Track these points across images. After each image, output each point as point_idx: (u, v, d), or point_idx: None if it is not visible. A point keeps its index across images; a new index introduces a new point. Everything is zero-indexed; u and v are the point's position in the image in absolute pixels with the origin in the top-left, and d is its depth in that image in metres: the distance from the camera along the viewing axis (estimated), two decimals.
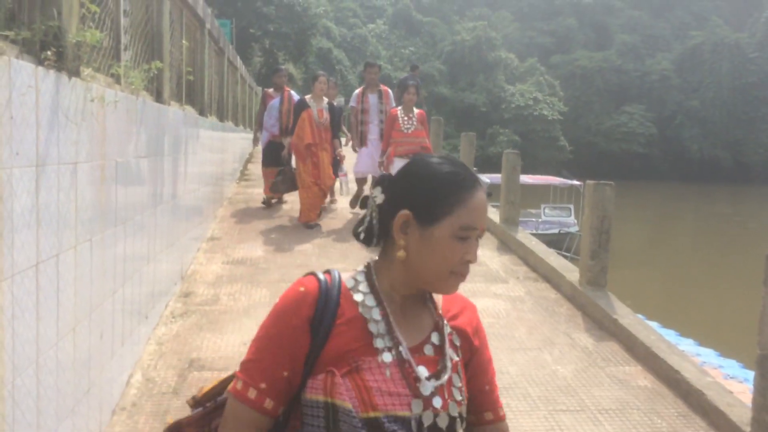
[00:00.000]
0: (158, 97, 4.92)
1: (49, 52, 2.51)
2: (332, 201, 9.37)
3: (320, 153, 7.61)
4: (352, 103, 8.78)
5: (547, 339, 4.88)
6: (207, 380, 3.98)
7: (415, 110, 7.85)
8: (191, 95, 7.01)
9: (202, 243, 7.18)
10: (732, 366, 8.30)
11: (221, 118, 9.91)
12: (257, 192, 10.15)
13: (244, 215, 8.80)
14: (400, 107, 7.84)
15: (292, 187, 7.97)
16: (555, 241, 16.06)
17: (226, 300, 5.50)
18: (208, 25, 7.62)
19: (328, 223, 8.39)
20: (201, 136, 7.09)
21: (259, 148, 9.98)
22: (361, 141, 8.65)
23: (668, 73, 49.83)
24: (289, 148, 8.00)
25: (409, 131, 7.73)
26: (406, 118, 7.78)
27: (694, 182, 47.56)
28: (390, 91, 8.84)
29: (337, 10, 48.59)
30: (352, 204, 8.76)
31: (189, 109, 6.61)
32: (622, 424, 3.69)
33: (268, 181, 8.76)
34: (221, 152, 9.23)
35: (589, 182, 5.80)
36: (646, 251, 23.18)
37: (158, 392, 3.82)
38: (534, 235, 9.32)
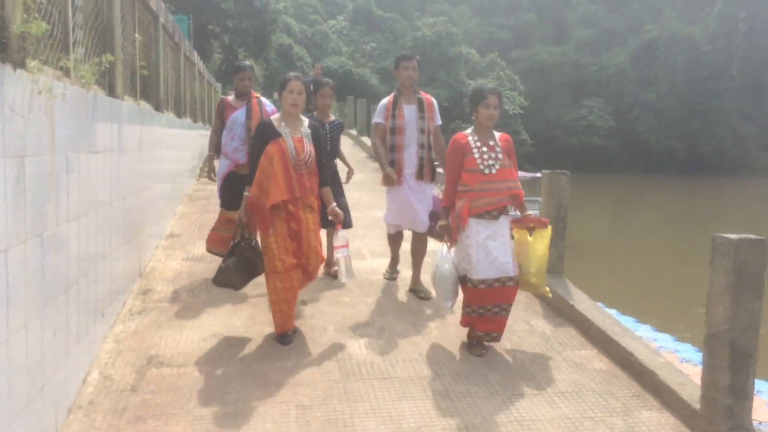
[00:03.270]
0: (111, 92, 4.84)
1: None
2: (331, 275, 5.94)
3: (302, 214, 4.40)
4: (377, 119, 5.59)
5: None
6: (166, 377, 3.95)
7: (496, 133, 4.58)
8: (146, 90, 6.90)
9: (161, 240, 7.09)
10: (687, 350, 8.54)
11: (179, 114, 9.78)
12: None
13: (204, 212, 8.71)
14: (470, 129, 4.59)
15: (251, 275, 4.61)
16: None
17: (185, 296, 5.44)
18: (162, 20, 7.51)
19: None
20: (157, 132, 6.99)
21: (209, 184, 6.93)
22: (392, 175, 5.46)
23: (625, 66, 50.79)
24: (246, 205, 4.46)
25: (493, 170, 4.38)
26: (485, 149, 4.42)
27: (652, 173, 48.59)
28: (434, 100, 5.75)
29: (297, 6, 48.29)
30: (387, 274, 6.04)
31: (144, 104, 6.51)
32: (578, 406, 3.78)
33: (219, 231, 5.87)
34: (179, 148, 9.11)
35: (545, 171, 5.90)
36: (605, 241, 23.65)
37: (116, 390, 3.78)
38: None
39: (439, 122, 5.70)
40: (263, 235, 4.37)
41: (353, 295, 5.58)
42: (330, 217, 4.62)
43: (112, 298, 4.63)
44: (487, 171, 4.36)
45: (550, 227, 4.61)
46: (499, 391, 3.93)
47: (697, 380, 3.74)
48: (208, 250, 6.03)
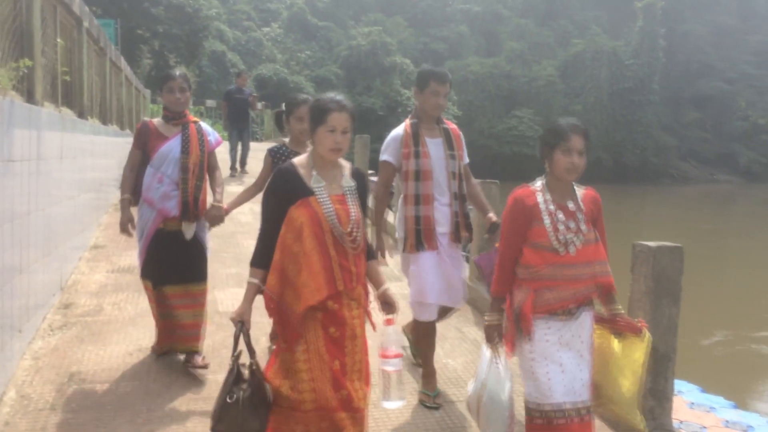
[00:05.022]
0: (29, 98, 4.65)
1: None
2: None
3: (346, 312, 2.78)
4: (388, 157, 4.03)
5: (438, 334, 4.99)
6: (88, 394, 3.80)
7: (579, 189, 3.09)
8: (69, 97, 6.66)
9: (84, 252, 6.83)
10: None
11: (104, 121, 9.47)
12: None
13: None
14: (540, 181, 3.06)
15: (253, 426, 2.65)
16: None
17: (110, 310, 5.26)
18: (86, 24, 7.26)
19: None
20: (81, 140, 6.75)
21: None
22: (418, 238, 3.92)
23: (553, 78, 52.35)
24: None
25: (573, 249, 2.92)
26: (561, 215, 2.95)
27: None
28: (459, 131, 4.21)
29: (230, 13, 47.60)
30: (428, 399, 3.98)
31: (66, 111, 6.27)
32: None
33: (166, 317, 4.20)
34: (104, 157, 8.81)
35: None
36: None
37: (34, 409, 3.61)
38: None
39: (468, 160, 4.17)
40: (285, 348, 2.74)
41: None
42: (378, 307, 2.89)
43: (30, 313, 4.42)
44: (563, 250, 2.85)
45: (648, 335, 2.96)
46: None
47: None
48: (159, 354, 4.29)
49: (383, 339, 2.85)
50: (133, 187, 4.18)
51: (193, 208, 4.06)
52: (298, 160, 2.85)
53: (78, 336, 4.68)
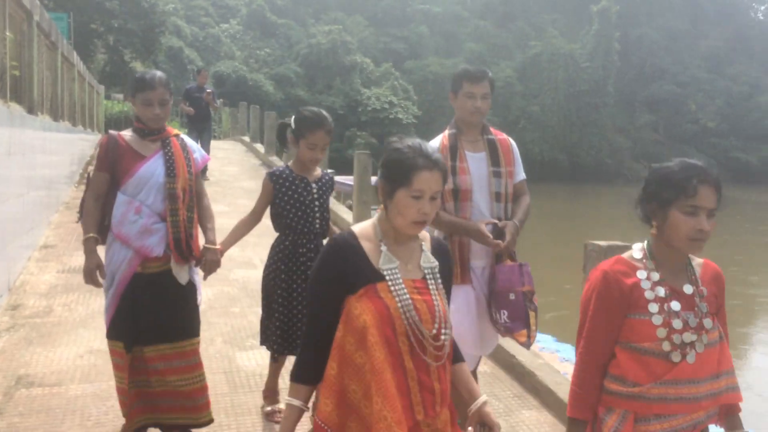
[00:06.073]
0: None
1: None
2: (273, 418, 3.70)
3: None
4: None
5: None
6: (36, 398, 3.70)
7: (696, 263, 2.06)
8: (18, 92, 6.47)
9: (33, 251, 6.65)
10: (567, 350, 9.01)
11: (55, 117, 9.22)
12: None
13: None
14: (639, 247, 2.04)
15: None
16: None
17: (60, 311, 5.13)
18: (36, 17, 7.06)
19: None
20: (30, 136, 6.56)
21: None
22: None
23: (511, 80, 53.03)
24: None
25: (693, 355, 1.91)
26: (675, 304, 1.93)
27: (537, 183, 50.90)
28: (512, 142, 3.59)
29: (187, 8, 46.84)
30: None
31: (15, 106, 6.09)
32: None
33: (136, 385, 3.17)
34: (55, 154, 8.59)
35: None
36: None
37: None
38: None
39: (523, 176, 3.47)
40: None
41: (243, 305, 5.47)
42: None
43: None
44: (678, 357, 1.91)
45: None
46: None
47: None
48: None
49: None
50: (99, 223, 3.15)
51: (187, 247, 3.14)
52: (361, 229, 1.96)
53: (26, 338, 4.56)
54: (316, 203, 3.45)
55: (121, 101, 23.65)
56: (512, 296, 3.05)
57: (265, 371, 4.21)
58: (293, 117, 3.42)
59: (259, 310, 4.81)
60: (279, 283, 3.38)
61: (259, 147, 15.93)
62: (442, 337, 1.88)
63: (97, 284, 3.13)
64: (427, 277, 1.95)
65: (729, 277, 2.17)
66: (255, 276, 6.24)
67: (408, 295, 1.87)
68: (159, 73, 3.17)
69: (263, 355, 4.50)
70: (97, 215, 3.13)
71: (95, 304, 5.19)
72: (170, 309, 3.15)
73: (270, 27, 50.24)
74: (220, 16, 49.92)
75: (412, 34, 54.77)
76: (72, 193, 10.10)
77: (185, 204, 3.18)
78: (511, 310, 3.05)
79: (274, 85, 43.85)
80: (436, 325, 1.88)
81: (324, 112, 3.37)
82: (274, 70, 45.73)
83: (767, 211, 36.49)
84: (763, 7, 69.79)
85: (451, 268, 2.14)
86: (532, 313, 3.10)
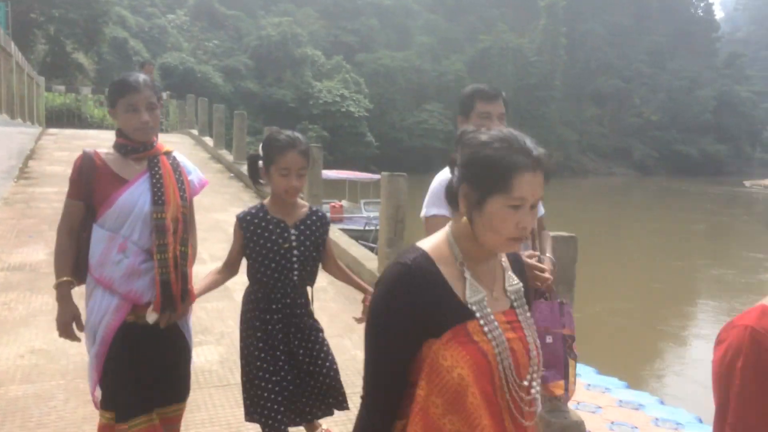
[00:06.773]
0: None
1: None
2: None
3: None
4: (436, 211, 2.65)
5: (347, 326, 5.02)
6: None
7: None
8: None
9: None
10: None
11: None
12: (40, 191, 9.24)
13: (22, 217, 7.97)
14: None
15: None
16: (363, 236, 16.52)
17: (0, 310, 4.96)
18: None
19: None
20: None
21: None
22: None
23: (462, 73, 53.51)
24: None
25: None
26: None
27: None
28: None
29: None
30: None
31: None
32: None
33: None
34: None
35: (384, 174, 6.08)
36: None
37: None
38: (344, 230, 9.63)
39: (543, 211, 3.06)
40: None
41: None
42: None
43: None
44: None
45: None
46: None
47: None
48: None
49: None
50: (74, 264, 2.58)
51: (177, 291, 2.60)
52: (433, 248, 1.48)
53: None
54: (295, 252, 2.72)
55: (62, 93, 22.91)
56: (549, 339, 2.55)
57: (215, 366, 4.15)
58: (261, 144, 2.82)
59: (208, 305, 4.66)
60: (256, 342, 2.73)
61: (208, 140, 15.68)
62: (533, 390, 1.45)
63: (73, 338, 2.58)
64: (515, 305, 1.52)
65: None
66: (204, 270, 6.15)
67: (503, 336, 1.43)
68: (143, 75, 2.60)
69: (212, 350, 4.43)
70: (71, 253, 2.56)
71: (36, 303, 5.04)
72: (168, 367, 2.65)
73: (218, 18, 49.42)
74: (166, 6, 48.81)
75: (363, 27, 54.68)
76: (12, 189, 9.75)
77: (177, 237, 2.60)
78: (548, 355, 2.42)
79: (223, 78, 43.18)
80: (530, 373, 1.46)
81: (296, 133, 2.76)
82: (224, 62, 45.03)
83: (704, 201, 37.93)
84: (703, 4, 72.24)
85: (527, 290, 1.64)
86: (572, 362, 2.62)
